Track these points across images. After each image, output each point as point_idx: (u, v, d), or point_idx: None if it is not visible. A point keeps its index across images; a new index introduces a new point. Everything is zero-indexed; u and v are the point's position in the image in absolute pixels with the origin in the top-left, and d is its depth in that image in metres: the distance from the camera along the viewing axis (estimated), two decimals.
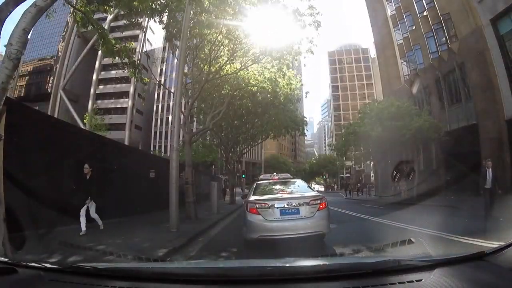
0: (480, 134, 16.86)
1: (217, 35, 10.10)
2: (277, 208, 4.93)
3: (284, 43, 10.68)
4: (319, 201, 5.10)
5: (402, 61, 26.24)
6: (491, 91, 16.18)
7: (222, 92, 13.08)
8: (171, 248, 4.97)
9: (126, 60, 6.17)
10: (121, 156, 10.06)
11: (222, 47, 10.79)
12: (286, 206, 4.96)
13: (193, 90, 11.97)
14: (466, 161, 16.35)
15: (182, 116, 11.09)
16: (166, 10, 9.48)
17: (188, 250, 5.34)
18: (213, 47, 10.50)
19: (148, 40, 54.30)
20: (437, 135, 17.35)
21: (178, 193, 7.00)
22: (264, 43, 10.57)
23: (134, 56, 6.51)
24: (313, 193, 5.52)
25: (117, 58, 5.99)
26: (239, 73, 11.57)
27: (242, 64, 11.34)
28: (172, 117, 9.73)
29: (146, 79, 6.81)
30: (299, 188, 6.04)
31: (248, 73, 11.81)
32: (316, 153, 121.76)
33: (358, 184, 36.22)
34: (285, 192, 5.79)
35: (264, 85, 12.04)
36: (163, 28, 10.99)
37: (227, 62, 11.20)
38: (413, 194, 17.09)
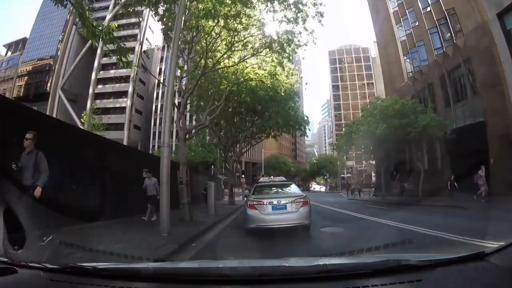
0: (488, 132, 16.40)
1: (214, 25, 9.64)
2: (270, 204, 6.38)
3: (284, 36, 10.30)
4: (302, 200, 6.52)
5: (405, 58, 25.75)
6: (499, 87, 15.72)
7: (220, 87, 12.60)
8: (156, 257, 4.33)
9: (112, 46, 5.62)
10: (115, 155, 9.63)
11: (219, 40, 10.34)
12: (276, 203, 6.42)
13: (187, 84, 11.52)
14: (473, 159, 15.84)
15: (176, 112, 10.62)
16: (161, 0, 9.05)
17: (177, 259, 4.67)
18: (210, 39, 10.03)
19: (147, 39, 54.03)
20: (443, 133, 16.85)
21: (169, 193, 6.49)
22: (263, 34, 10.17)
23: (120, 41, 5.91)
24: (298, 194, 6.95)
25: (102, 43, 5.47)
26: (237, 66, 11.12)
27: (241, 58, 10.90)
28: (163, 107, 9.22)
29: (128, 58, 6.04)
30: (289, 189, 7.55)
31: (247, 66, 11.35)
32: (316, 153, 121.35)
33: (359, 186, 35.63)
34: (277, 192, 7.39)
35: (263, 78, 11.58)
36: (158, 21, 10.60)
37: (224, 56, 10.73)
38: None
